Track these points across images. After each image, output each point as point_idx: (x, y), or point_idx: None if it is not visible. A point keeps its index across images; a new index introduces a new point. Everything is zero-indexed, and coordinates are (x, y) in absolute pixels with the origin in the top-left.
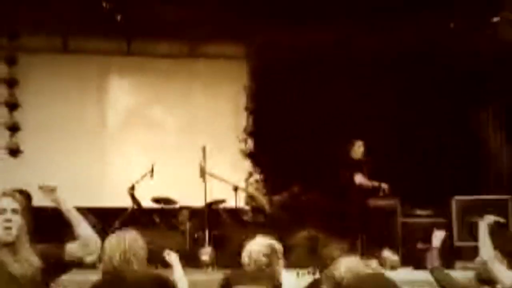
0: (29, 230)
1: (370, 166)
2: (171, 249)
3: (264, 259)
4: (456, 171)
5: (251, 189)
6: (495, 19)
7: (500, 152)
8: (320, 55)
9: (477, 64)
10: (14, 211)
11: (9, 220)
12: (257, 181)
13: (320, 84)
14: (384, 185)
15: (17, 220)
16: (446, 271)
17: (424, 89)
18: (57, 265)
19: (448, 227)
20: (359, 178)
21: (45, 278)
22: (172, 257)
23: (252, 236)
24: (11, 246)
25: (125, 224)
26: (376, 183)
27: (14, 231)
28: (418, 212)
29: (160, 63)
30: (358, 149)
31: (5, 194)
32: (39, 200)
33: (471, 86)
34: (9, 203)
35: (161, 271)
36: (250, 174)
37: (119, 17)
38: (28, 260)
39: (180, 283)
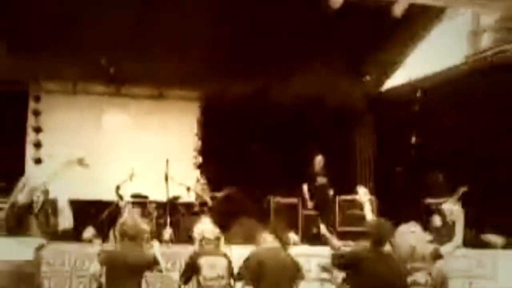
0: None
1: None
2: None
3: (215, 236)
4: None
5: (199, 190)
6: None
7: None
8: (250, 99)
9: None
10: None
11: None
12: (203, 184)
13: (251, 120)
14: None
15: None
16: None
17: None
18: None
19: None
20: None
21: None
22: (155, 244)
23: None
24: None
25: (112, 213)
26: None
27: None
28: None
29: (140, 102)
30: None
31: None
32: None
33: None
34: None
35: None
36: (198, 180)
37: (112, 70)
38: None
39: (160, 259)
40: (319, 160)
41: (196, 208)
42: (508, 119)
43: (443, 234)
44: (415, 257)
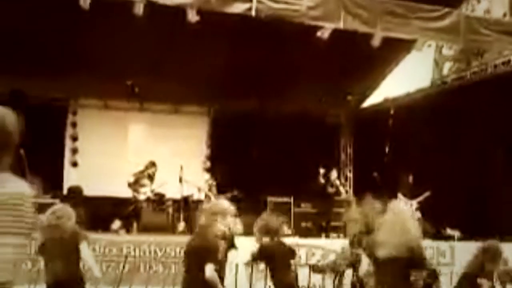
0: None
1: None
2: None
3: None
4: None
5: (207, 190)
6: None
7: None
8: (251, 114)
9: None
10: None
11: None
12: (211, 185)
13: (252, 131)
14: None
15: None
16: None
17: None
18: None
19: None
20: None
21: None
22: None
23: None
24: None
25: (135, 208)
26: None
27: None
28: (302, 205)
29: (158, 116)
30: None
31: None
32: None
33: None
34: None
35: None
36: (206, 181)
37: (136, 89)
38: None
39: None
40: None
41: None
42: (465, 131)
43: None
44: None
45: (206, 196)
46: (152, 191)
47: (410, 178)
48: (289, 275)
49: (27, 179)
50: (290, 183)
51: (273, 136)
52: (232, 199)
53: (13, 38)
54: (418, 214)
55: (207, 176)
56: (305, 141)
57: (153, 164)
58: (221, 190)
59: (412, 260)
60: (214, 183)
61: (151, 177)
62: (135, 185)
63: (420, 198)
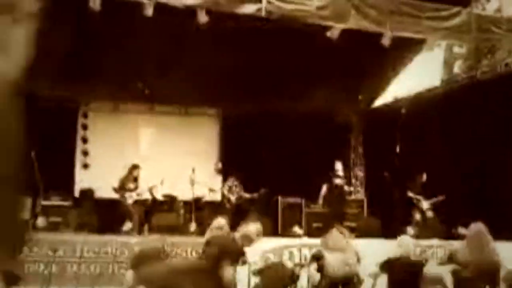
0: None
1: None
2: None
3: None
4: None
5: (226, 190)
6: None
7: None
8: (262, 115)
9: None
10: None
11: None
12: (232, 185)
13: (263, 132)
14: None
15: None
16: None
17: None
18: None
19: None
20: None
21: None
22: None
23: (215, 217)
24: None
25: (147, 209)
26: None
27: None
28: (312, 206)
29: (169, 118)
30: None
31: None
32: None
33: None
34: None
35: None
36: (226, 182)
37: (146, 92)
38: None
39: None
40: (337, 165)
41: (227, 205)
42: (475, 130)
43: (426, 227)
44: None
45: (224, 197)
46: (138, 194)
47: (424, 177)
48: None
49: (38, 181)
50: (301, 183)
51: (284, 137)
52: (259, 198)
53: None
54: (431, 214)
55: (218, 177)
56: (316, 141)
57: (135, 167)
58: (246, 190)
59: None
60: (236, 183)
61: (136, 180)
62: (121, 190)
63: (434, 200)
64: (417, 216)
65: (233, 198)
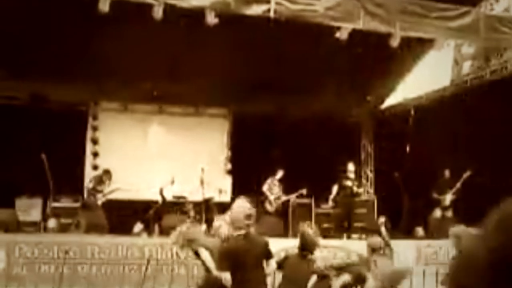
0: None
1: None
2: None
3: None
4: None
5: (265, 190)
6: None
7: None
8: (272, 115)
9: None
10: None
11: None
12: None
13: (273, 132)
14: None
15: None
16: None
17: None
18: None
19: None
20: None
21: None
22: None
23: None
24: None
25: (157, 210)
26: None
27: None
28: (322, 206)
29: (178, 118)
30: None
31: None
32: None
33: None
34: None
35: None
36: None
37: (155, 92)
38: None
39: None
40: (350, 166)
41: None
42: (485, 130)
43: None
44: None
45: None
46: (104, 195)
47: (447, 173)
48: None
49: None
50: (311, 184)
51: (294, 137)
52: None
53: (34, 43)
54: (450, 214)
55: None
56: (326, 141)
57: (107, 172)
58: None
59: None
60: (277, 183)
61: (104, 183)
62: (92, 190)
63: (463, 179)
64: (438, 213)
65: (272, 198)
